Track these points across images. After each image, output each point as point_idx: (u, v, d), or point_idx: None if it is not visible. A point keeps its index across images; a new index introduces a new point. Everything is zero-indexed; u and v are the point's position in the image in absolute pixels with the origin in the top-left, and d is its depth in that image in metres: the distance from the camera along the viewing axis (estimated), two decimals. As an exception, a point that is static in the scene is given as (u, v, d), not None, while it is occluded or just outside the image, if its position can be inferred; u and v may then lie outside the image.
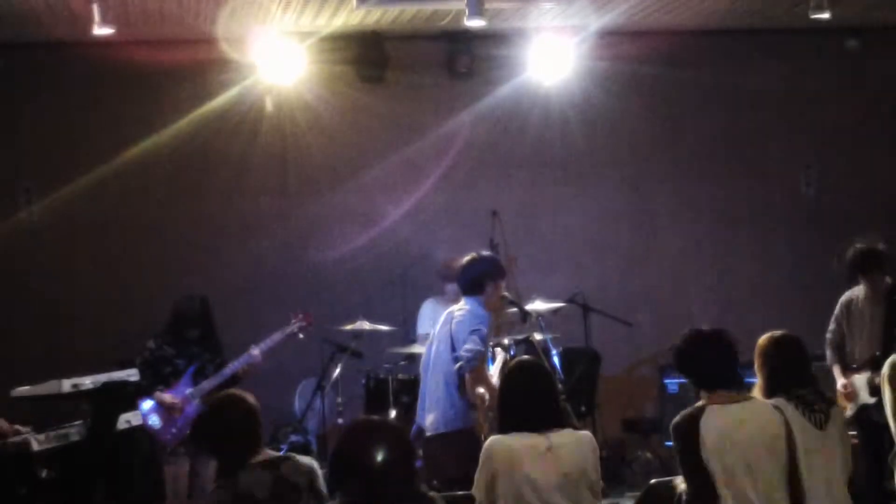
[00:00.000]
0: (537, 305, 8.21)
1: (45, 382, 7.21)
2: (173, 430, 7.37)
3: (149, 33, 8.98)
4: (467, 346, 6.64)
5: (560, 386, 5.44)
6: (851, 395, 6.91)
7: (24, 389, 7.22)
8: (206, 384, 7.54)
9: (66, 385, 7.14)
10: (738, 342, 5.07)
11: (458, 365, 6.68)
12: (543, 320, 8.05)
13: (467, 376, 6.64)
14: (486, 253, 7.30)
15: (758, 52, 10.10)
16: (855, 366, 7.01)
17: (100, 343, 8.79)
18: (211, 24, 8.72)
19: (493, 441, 4.96)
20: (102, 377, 7.34)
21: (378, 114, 9.81)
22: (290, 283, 9.52)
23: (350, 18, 8.86)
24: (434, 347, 6.99)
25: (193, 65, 9.30)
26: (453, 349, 6.75)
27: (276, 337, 7.71)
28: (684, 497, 4.88)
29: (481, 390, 6.49)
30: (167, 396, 7.40)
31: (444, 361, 6.81)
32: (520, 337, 8.05)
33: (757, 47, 10.08)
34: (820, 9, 8.06)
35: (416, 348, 8.81)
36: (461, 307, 6.88)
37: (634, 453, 9.50)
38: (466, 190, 9.95)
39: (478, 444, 6.43)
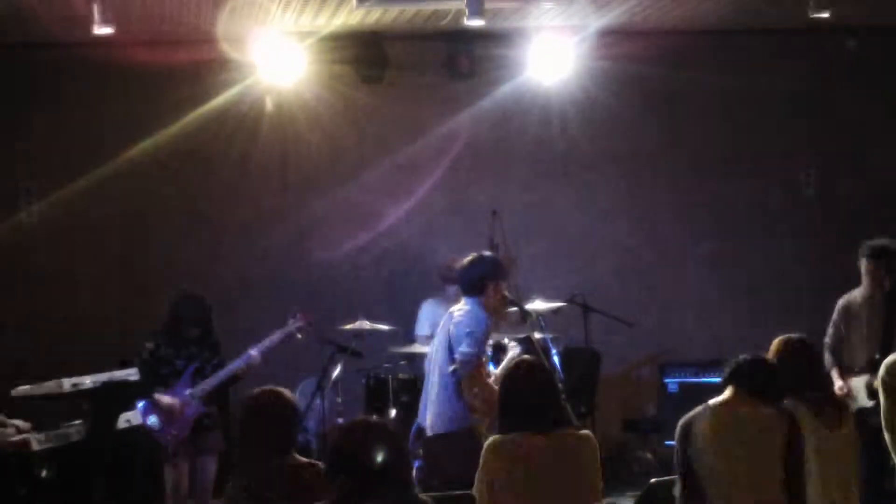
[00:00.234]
0: (537, 305, 8.21)
1: (45, 382, 7.22)
2: (173, 432, 7.37)
3: (149, 33, 8.98)
4: (462, 349, 6.65)
5: (560, 386, 5.44)
6: (849, 397, 6.91)
7: (24, 389, 7.22)
8: (206, 385, 7.54)
9: (66, 385, 7.14)
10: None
11: (452, 368, 6.70)
12: (543, 320, 8.04)
13: (464, 378, 6.64)
14: (487, 253, 7.30)
15: (758, 52, 10.09)
16: (854, 369, 7.01)
17: (100, 343, 8.79)
18: (211, 24, 8.72)
19: (493, 441, 4.96)
20: (102, 377, 7.34)
21: (378, 114, 9.81)
22: (289, 283, 9.52)
23: (350, 18, 8.86)
24: (434, 348, 7.00)
25: (193, 65, 9.30)
26: (450, 350, 6.76)
27: (275, 337, 7.71)
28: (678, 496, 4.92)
29: (475, 390, 6.51)
30: (166, 398, 7.40)
31: (441, 362, 6.82)
32: (520, 337, 8.05)
33: (757, 47, 10.07)
34: (820, 9, 8.06)
35: (417, 348, 8.82)
36: (461, 308, 6.89)
37: (634, 453, 9.51)
38: (466, 190, 9.95)
39: (477, 445, 6.43)
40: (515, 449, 4.88)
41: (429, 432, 6.90)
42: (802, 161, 10.36)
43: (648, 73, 9.82)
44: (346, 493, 3.90)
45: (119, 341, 8.40)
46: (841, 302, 7.28)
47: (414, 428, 7.71)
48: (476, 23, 7.77)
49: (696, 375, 9.29)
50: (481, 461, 4.95)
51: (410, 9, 8.64)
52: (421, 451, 7.22)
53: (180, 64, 9.25)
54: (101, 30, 7.71)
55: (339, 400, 8.46)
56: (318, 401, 8.53)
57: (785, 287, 10.07)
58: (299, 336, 7.81)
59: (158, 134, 9.42)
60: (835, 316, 7.27)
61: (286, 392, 4.89)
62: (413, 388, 8.49)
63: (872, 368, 6.70)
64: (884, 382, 5.65)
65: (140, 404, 7.33)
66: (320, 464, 4.66)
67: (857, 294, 7.21)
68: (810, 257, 9.98)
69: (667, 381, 9.42)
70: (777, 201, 10.35)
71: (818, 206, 10.31)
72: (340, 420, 8.46)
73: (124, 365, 7.65)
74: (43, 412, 7.20)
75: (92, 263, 9.48)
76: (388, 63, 9.65)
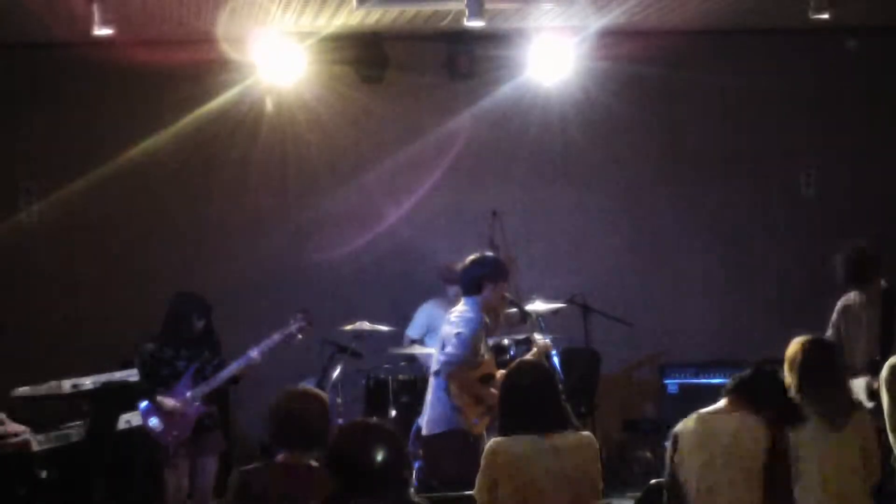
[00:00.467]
0: (537, 305, 8.21)
1: (45, 382, 7.22)
2: (174, 433, 7.37)
3: (149, 33, 8.98)
4: (447, 350, 6.67)
5: (560, 386, 5.46)
6: None
7: (24, 389, 7.23)
8: (206, 385, 7.55)
9: (66, 385, 7.15)
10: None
11: (435, 368, 6.73)
12: (543, 320, 8.05)
13: (450, 379, 6.67)
14: (488, 254, 7.32)
15: (758, 52, 10.09)
16: (853, 370, 6.99)
17: (100, 343, 8.78)
18: (211, 24, 8.72)
19: (495, 443, 4.97)
20: (102, 377, 7.35)
21: (378, 114, 9.81)
22: (289, 283, 9.52)
23: (350, 19, 8.86)
24: (436, 348, 7.04)
25: (193, 65, 9.30)
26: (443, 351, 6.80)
27: (275, 338, 7.71)
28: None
29: (457, 392, 6.54)
30: (168, 401, 7.41)
31: (436, 362, 6.86)
32: (520, 337, 8.06)
33: (757, 47, 10.07)
34: (820, 9, 8.06)
35: (417, 348, 8.82)
36: (459, 310, 6.92)
37: (634, 453, 9.51)
38: (466, 190, 9.95)
39: (470, 445, 6.47)
40: (516, 450, 4.89)
41: (424, 432, 6.94)
42: (802, 161, 10.36)
43: (648, 73, 9.82)
44: (342, 492, 3.91)
45: (119, 341, 8.39)
46: (840, 303, 7.28)
47: (414, 428, 7.73)
48: (476, 23, 7.77)
49: (696, 376, 9.29)
50: (482, 462, 4.96)
51: (410, 9, 8.64)
52: (421, 452, 7.25)
53: (180, 64, 9.24)
54: (101, 30, 7.71)
55: (339, 401, 8.47)
56: (318, 401, 8.50)
57: (785, 287, 10.07)
58: (300, 336, 7.81)
59: (158, 134, 9.42)
60: (834, 317, 7.27)
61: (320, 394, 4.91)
62: (413, 388, 8.50)
63: (872, 369, 6.70)
64: (887, 383, 5.66)
65: (141, 406, 7.34)
66: (313, 462, 4.69)
67: (855, 295, 7.21)
68: (810, 257, 9.95)
69: (667, 381, 9.42)
70: (777, 201, 10.35)
71: (818, 206, 10.31)
72: (340, 421, 8.46)
73: (124, 365, 7.66)
74: (43, 412, 7.21)
75: (92, 263, 9.48)
76: (388, 63, 9.65)
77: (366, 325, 8.49)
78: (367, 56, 9.57)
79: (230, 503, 4.68)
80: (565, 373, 8.17)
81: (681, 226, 10.24)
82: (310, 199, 9.80)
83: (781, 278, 10.15)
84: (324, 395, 5.01)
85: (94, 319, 9.27)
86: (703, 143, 10.27)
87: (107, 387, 7.23)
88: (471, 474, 5.05)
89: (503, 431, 4.99)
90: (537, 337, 7.53)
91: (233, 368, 7.52)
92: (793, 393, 5.36)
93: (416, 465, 7.62)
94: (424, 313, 9.13)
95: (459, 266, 7.17)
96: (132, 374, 7.48)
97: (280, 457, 4.76)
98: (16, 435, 6.75)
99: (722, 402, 5.03)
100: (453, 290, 8.24)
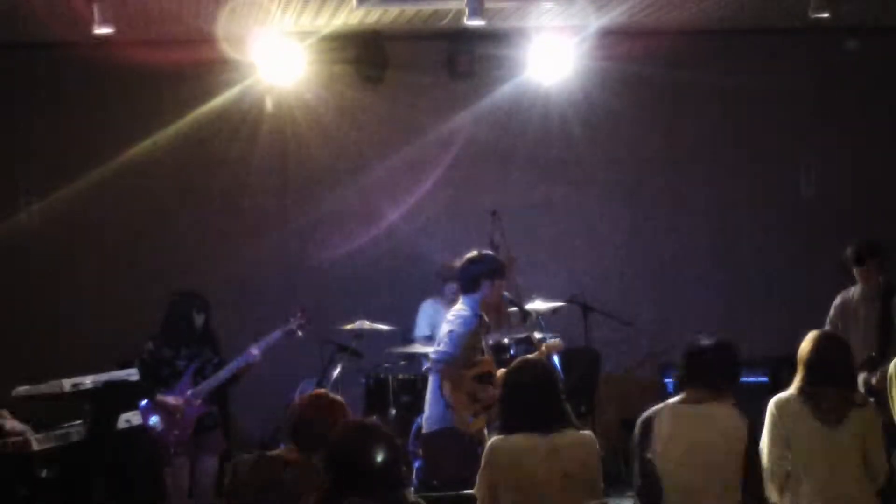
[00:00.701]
0: (537, 305, 8.21)
1: (45, 382, 7.21)
2: (175, 432, 7.39)
3: (149, 33, 8.98)
4: (437, 347, 6.69)
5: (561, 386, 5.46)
6: None
7: (24, 389, 7.22)
8: (207, 384, 7.56)
9: (66, 385, 7.13)
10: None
11: (425, 366, 6.74)
12: (543, 320, 8.05)
13: (444, 376, 6.67)
14: (486, 252, 7.32)
15: (758, 52, 10.09)
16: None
17: (100, 343, 8.78)
18: (211, 24, 8.72)
19: (496, 441, 4.97)
20: (102, 377, 7.33)
21: (378, 114, 9.81)
22: (289, 282, 9.52)
23: (350, 18, 8.86)
24: (435, 347, 7.05)
25: (193, 65, 9.30)
26: None
27: (275, 335, 7.74)
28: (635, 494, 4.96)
29: (448, 390, 6.55)
30: (170, 400, 7.42)
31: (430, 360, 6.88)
32: (520, 336, 8.06)
33: (757, 47, 10.07)
34: (820, 9, 8.06)
35: (417, 348, 8.82)
36: (456, 307, 6.93)
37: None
38: (466, 190, 9.94)
39: (461, 442, 6.48)
40: (517, 449, 4.89)
41: (423, 430, 6.95)
42: (802, 161, 10.36)
43: (648, 73, 9.82)
44: (335, 489, 3.92)
45: (119, 341, 8.39)
46: (837, 300, 7.27)
47: (414, 427, 7.73)
48: (476, 23, 7.77)
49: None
50: (483, 461, 4.96)
51: (410, 9, 8.64)
52: (420, 451, 7.25)
53: (180, 64, 9.24)
54: (101, 30, 7.72)
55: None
56: (317, 401, 8.50)
57: (785, 287, 10.07)
58: (299, 333, 7.83)
59: (158, 134, 9.42)
60: (831, 313, 7.26)
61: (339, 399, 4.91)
62: (413, 388, 8.50)
63: (869, 366, 6.70)
64: (892, 379, 5.66)
65: (142, 405, 7.34)
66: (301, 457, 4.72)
67: (853, 291, 7.21)
68: (810, 257, 9.97)
69: (667, 380, 9.40)
70: (777, 201, 10.35)
71: (818, 206, 10.31)
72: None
73: (124, 365, 7.65)
74: (43, 412, 7.20)
75: (92, 263, 9.47)
76: (388, 63, 9.65)
77: (366, 325, 8.49)
78: (367, 56, 9.57)
79: (224, 490, 4.76)
80: (565, 373, 8.17)
81: (680, 225, 10.24)
82: (310, 199, 9.80)
83: (781, 278, 10.15)
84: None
85: (94, 319, 9.27)
86: (702, 142, 10.28)
87: (107, 387, 7.21)
88: (471, 473, 5.06)
89: (504, 430, 4.99)
90: (538, 336, 7.53)
91: (233, 367, 7.54)
92: (796, 387, 5.36)
93: (416, 464, 7.62)
94: (425, 313, 9.14)
95: (457, 264, 7.17)
96: (132, 374, 7.47)
97: (277, 450, 4.80)
98: (16, 434, 6.74)
99: (686, 392, 5.01)
100: (451, 288, 8.25)
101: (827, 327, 7.20)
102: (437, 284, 9.08)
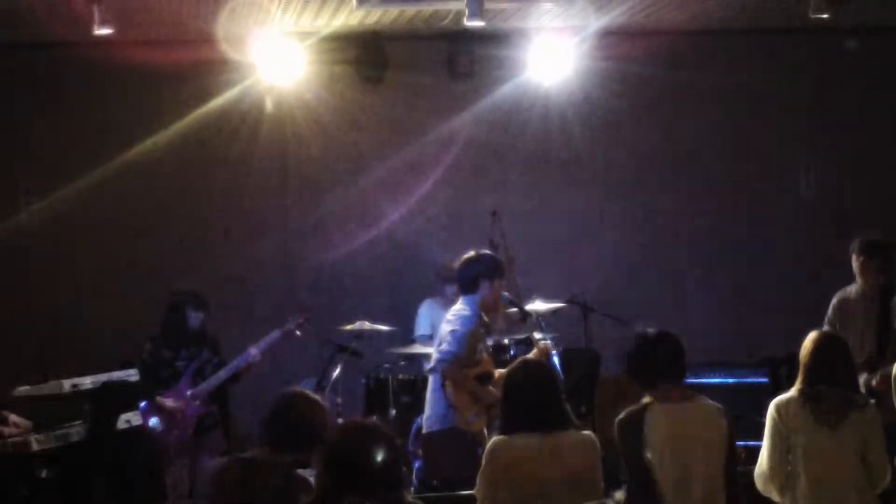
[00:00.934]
0: (537, 305, 8.21)
1: (45, 382, 7.22)
2: (175, 433, 7.39)
3: (149, 33, 8.98)
4: (442, 347, 6.68)
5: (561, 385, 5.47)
6: None
7: (24, 389, 7.23)
8: (206, 385, 7.56)
9: (66, 385, 7.14)
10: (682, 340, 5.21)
11: (429, 366, 6.73)
12: (543, 320, 8.04)
13: (447, 376, 6.67)
14: (485, 252, 7.31)
15: (758, 52, 10.09)
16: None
17: (100, 343, 8.78)
18: (211, 24, 8.72)
19: (496, 441, 4.97)
20: (102, 377, 7.35)
21: (378, 114, 9.81)
22: (289, 283, 9.52)
23: (350, 18, 8.86)
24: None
25: (193, 65, 9.30)
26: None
27: (275, 336, 7.74)
28: (625, 495, 4.95)
29: (451, 389, 6.54)
30: (169, 401, 7.42)
31: (432, 360, 6.87)
32: (520, 337, 8.06)
33: (757, 47, 10.07)
34: (820, 9, 8.06)
35: (417, 348, 8.82)
36: (456, 307, 6.92)
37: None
38: (466, 190, 9.94)
39: (462, 443, 6.48)
40: (517, 449, 4.89)
41: (424, 430, 6.95)
42: (802, 161, 10.36)
43: (648, 73, 9.82)
44: (334, 489, 3.92)
45: (119, 341, 8.39)
46: (836, 299, 7.22)
47: (414, 427, 7.73)
48: (476, 23, 7.77)
49: (696, 375, 9.24)
50: (483, 461, 4.96)
51: (410, 9, 8.64)
52: (420, 451, 7.25)
53: (180, 64, 9.24)
54: (101, 30, 7.72)
55: (339, 400, 8.46)
56: (318, 401, 8.51)
57: (785, 287, 10.07)
58: (298, 333, 7.83)
59: (158, 134, 9.41)
60: (829, 313, 7.22)
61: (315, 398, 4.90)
62: (413, 388, 8.49)
63: (869, 366, 6.68)
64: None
65: (141, 406, 7.35)
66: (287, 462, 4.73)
67: (851, 290, 7.17)
68: (810, 257, 9.97)
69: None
70: (777, 202, 10.34)
71: (818, 206, 10.31)
72: (340, 420, 8.45)
73: (124, 365, 7.66)
74: (43, 412, 7.20)
75: (92, 264, 9.47)
76: (388, 63, 9.65)
77: (366, 325, 8.48)
78: (367, 56, 9.57)
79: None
80: (565, 373, 8.17)
81: (680, 225, 10.23)
82: (310, 199, 9.80)
83: (781, 278, 10.14)
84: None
85: (94, 319, 9.27)
86: (702, 143, 10.27)
87: (107, 387, 7.22)
88: (471, 473, 5.05)
89: (504, 430, 4.99)
90: (537, 336, 7.53)
91: (233, 367, 7.54)
92: (797, 388, 5.35)
93: (417, 464, 7.62)
94: (425, 313, 9.13)
95: (457, 264, 7.17)
96: (132, 374, 7.48)
97: (251, 452, 4.81)
98: (17, 429, 6.75)
99: (661, 391, 5.02)
100: (451, 288, 8.24)
101: (825, 327, 7.18)
102: (438, 285, 9.08)
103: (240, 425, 9.05)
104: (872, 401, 6.31)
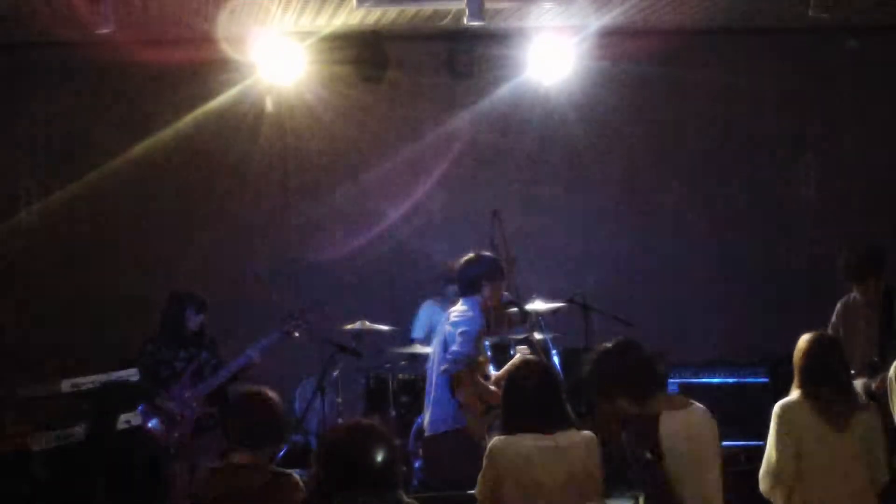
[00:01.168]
0: (537, 305, 8.21)
1: (45, 382, 7.21)
2: (175, 434, 7.39)
3: (149, 33, 8.98)
4: (454, 348, 6.67)
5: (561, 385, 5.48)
6: None
7: (24, 389, 7.22)
8: (206, 385, 7.56)
9: (66, 385, 7.13)
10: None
11: (443, 367, 6.71)
12: (543, 320, 8.04)
13: (457, 377, 6.66)
14: (485, 253, 7.32)
15: (758, 52, 10.09)
16: (852, 371, 6.98)
17: (100, 343, 8.79)
18: (211, 24, 8.72)
19: (497, 441, 4.97)
20: (102, 377, 7.34)
21: (378, 114, 9.81)
22: (290, 283, 9.52)
23: (350, 18, 8.86)
24: (434, 349, 7.02)
25: (193, 65, 9.30)
26: (446, 351, 6.78)
27: (274, 336, 7.75)
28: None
29: (466, 390, 6.53)
30: (168, 403, 7.42)
31: (438, 362, 6.85)
32: (520, 337, 8.06)
33: (757, 47, 10.07)
34: (820, 9, 8.06)
35: (417, 348, 8.82)
36: (458, 309, 6.92)
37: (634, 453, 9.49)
38: (466, 190, 9.95)
39: (470, 445, 6.47)
40: (518, 449, 4.89)
41: (427, 432, 6.92)
42: (802, 161, 10.36)
43: (648, 73, 9.82)
44: (331, 488, 3.93)
45: (119, 341, 8.39)
46: (840, 304, 7.28)
47: (414, 428, 7.73)
48: (476, 23, 7.77)
49: (696, 375, 9.27)
50: (485, 462, 4.96)
51: (410, 9, 8.64)
52: (421, 452, 7.25)
53: (180, 64, 9.25)
54: (101, 30, 7.71)
55: (339, 400, 8.47)
56: (318, 401, 8.54)
57: (785, 287, 10.07)
58: (297, 334, 7.83)
59: (158, 134, 9.42)
60: (833, 318, 7.27)
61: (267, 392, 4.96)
62: (413, 388, 8.50)
63: (870, 370, 6.70)
64: (892, 382, 5.66)
65: (141, 408, 7.34)
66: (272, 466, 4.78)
67: (854, 296, 7.20)
68: (810, 257, 9.97)
69: (667, 381, 9.40)
70: (777, 201, 10.34)
71: (818, 206, 10.31)
72: (340, 420, 8.46)
73: (124, 365, 7.66)
74: (43, 412, 7.20)
75: (92, 263, 9.47)
76: (388, 63, 9.65)
77: (366, 325, 8.49)
78: (367, 56, 9.57)
79: None
80: (565, 373, 8.18)
81: (680, 225, 10.23)
82: (310, 199, 9.80)
83: (781, 278, 10.14)
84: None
85: (94, 319, 9.27)
86: (702, 142, 10.28)
87: (107, 387, 7.21)
88: (472, 473, 5.05)
89: (505, 430, 4.99)
90: (538, 336, 7.53)
91: (232, 367, 7.54)
92: (800, 392, 5.36)
93: (417, 464, 7.62)
94: (425, 313, 9.14)
95: (456, 265, 7.17)
96: (132, 374, 7.47)
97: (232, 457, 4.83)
98: (16, 433, 6.75)
99: (662, 397, 5.08)
100: (453, 289, 8.24)
101: (829, 331, 7.20)
102: (439, 285, 9.08)
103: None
104: (873, 403, 6.34)
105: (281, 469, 4.87)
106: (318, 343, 8.42)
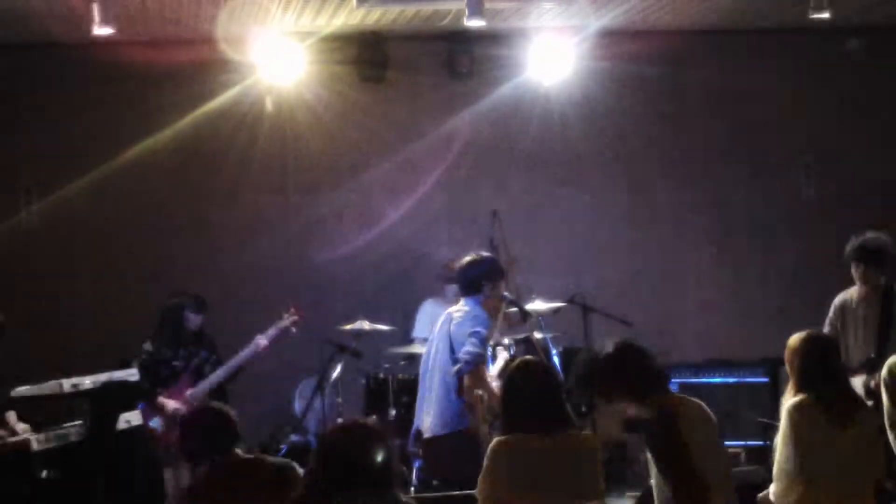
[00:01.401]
0: (537, 305, 8.21)
1: (45, 382, 7.21)
2: (175, 433, 7.37)
3: (149, 33, 8.98)
4: (466, 349, 6.65)
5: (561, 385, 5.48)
6: None
7: (24, 389, 7.21)
8: (205, 384, 7.56)
9: (66, 385, 7.13)
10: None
11: (456, 367, 6.69)
12: (543, 320, 8.04)
13: (466, 378, 6.64)
14: (485, 254, 7.31)
15: (758, 52, 10.10)
16: (850, 368, 6.98)
17: (100, 343, 8.78)
18: (211, 24, 8.72)
19: (497, 442, 4.97)
20: (102, 377, 7.34)
21: (378, 114, 9.81)
22: (289, 283, 9.52)
23: (350, 18, 8.86)
24: (433, 349, 6.99)
25: (193, 65, 9.30)
26: (452, 351, 6.76)
27: (270, 333, 7.76)
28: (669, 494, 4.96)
29: (479, 392, 6.50)
30: (170, 403, 7.42)
31: (442, 363, 6.82)
32: (520, 337, 8.06)
33: (757, 47, 10.07)
34: (820, 9, 8.06)
35: (417, 348, 8.81)
36: (460, 308, 6.90)
37: (634, 453, 9.50)
38: (466, 190, 9.95)
39: (476, 446, 6.46)
40: (518, 450, 4.89)
41: (427, 434, 6.89)
42: (802, 160, 10.36)
43: (648, 73, 9.82)
44: (326, 488, 3.93)
45: (119, 341, 8.39)
46: (837, 300, 7.23)
47: (414, 427, 7.71)
48: (476, 23, 7.77)
49: (696, 375, 9.27)
50: (485, 462, 4.96)
51: (410, 9, 8.64)
52: (421, 452, 7.23)
53: (180, 64, 9.25)
54: (101, 30, 7.71)
55: (339, 400, 8.47)
56: (318, 401, 8.55)
57: (784, 287, 10.07)
58: (293, 330, 7.84)
59: (158, 134, 9.41)
60: (830, 314, 7.23)
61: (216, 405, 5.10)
62: (413, 388, 8.46)
63: (869, 368, 6.68)
64: (885, 383, 5.65)
65: (141, 406, 7.35)
66: (268, 458, 4.79)
67: (852, 292, 7.17)
68: (810, 257, 9.97)
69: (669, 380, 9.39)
70: (777, 201, 10.34)
71: (818, 206, 10.31)
72: (340, 420, 8.45)
73: (124, 365, 7.66)
74: (43, 412, 7.20)
75: (92, 263, 9.47)
76: (388, 63, 9.65)
77: (365, 325, 8.48)
78: (367, 56, 9.57)
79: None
80: (565, 373, 8.18)
81: (680, 225, 10.24)
82: (310, 199, 9.80)
83: (781, 278, 10.15)
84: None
85: (94, 319, 9.27)
86: (702, 143, 10.28)
87: (107, 387, 7.21)
88: (472, 474, 5.05)
89: (505, 430, 4.99)
90: (538, 336, 7.53)
91: (242, 358, 7.56)
92: (793, 386, 5.37)
93: (417, 464, 7.61)
94: (425, 313, 9.13)
95: (457, 265, 7.17)
96: (132, 374, 7.48)
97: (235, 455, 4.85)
98: (15, 434, 6.75)
99: (662, 396, 5.17)
100: (452, 289, 8.24)
101: (826, 329, 7.19)
102: (439, 285, 9.08)
103: (239, 425, 9.05)
104: (870, 402, 6.34)
105: (283, 460, 4.88)
106: (318, 343, 8.41)
